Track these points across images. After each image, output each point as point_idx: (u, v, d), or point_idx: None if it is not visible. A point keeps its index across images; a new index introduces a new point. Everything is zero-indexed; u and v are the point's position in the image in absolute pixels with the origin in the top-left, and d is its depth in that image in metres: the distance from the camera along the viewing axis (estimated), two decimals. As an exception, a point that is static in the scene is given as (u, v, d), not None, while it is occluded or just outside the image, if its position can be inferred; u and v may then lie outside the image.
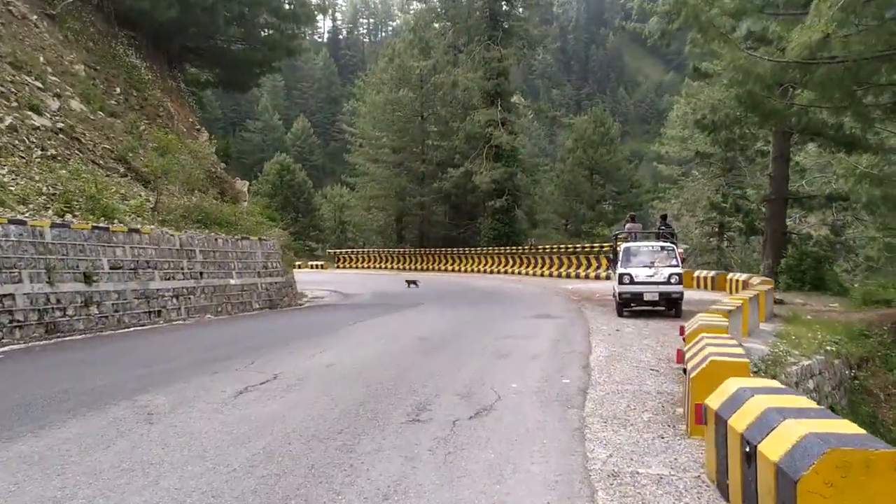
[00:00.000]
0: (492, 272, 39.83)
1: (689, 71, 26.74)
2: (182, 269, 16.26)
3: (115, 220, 14.99)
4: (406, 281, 27.81)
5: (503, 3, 46.08)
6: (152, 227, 15.87)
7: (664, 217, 18.84)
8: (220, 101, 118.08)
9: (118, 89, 25.53)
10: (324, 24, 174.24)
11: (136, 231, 14.83)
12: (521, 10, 46.78)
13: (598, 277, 30.95)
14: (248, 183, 29.67)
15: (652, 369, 8.84)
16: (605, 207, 47.55)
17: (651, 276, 14.91)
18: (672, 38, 23.07)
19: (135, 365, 8.69)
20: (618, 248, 16.27)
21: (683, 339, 9.03)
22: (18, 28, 22.32)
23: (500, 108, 43.80)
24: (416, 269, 46.15)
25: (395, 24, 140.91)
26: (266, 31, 31.79)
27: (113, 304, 13.69)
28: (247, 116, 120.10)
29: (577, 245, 36.17)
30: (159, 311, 15.09)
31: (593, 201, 47.49)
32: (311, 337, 11.44)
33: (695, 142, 49.68)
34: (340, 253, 55.77)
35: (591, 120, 47.73)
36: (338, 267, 53.20)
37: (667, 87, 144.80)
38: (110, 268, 13.82)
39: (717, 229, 44.11)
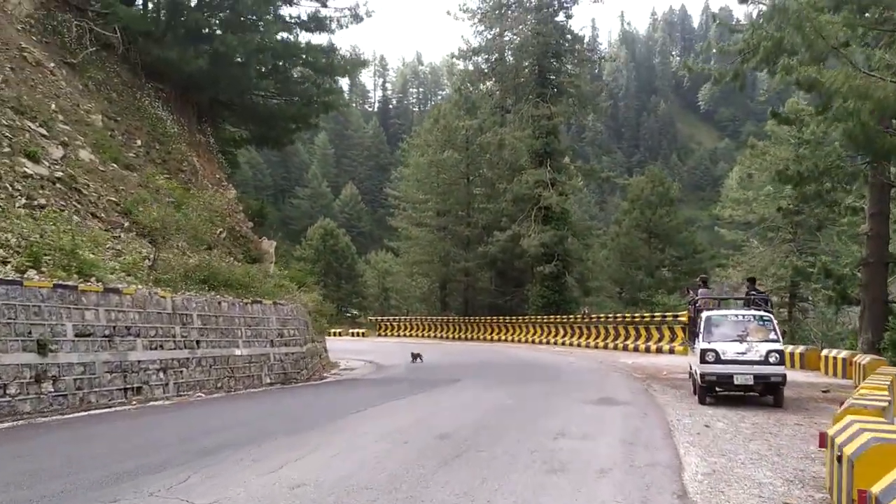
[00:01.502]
0: (541, 342, 36.67)
1: (766, 120, 23.87)
2: (174, 336, 13.77)
3: (94, 279, 12.64)
4: (411, 354, 25.08)
5: (553, 60, 44.13)
6: (139, 287, 13.48)
7: (752, 280, 15.68)
8: (270, 168, 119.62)
9: (139, 141, 23.84)
10: (374, 94, 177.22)
11: (115, 291, 12.44)
12: (571, 66, 44.74)
13: (660, 351, 27.60)
14: (274, 243, 27.47)
15: (785, 503, 5.81)
16: (664, 274, 44.01)
17: (743, 353, 11.82)
18: (745, 79, 20.37)
19: (11, 478, 6.04)
20: (697, 317, 13.22)
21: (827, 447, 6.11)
22: (31, 74, 20.80)
23: (549, 168, 41.39)
24: (459, 339, 43.33)
25: (444, 92, 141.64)
26: (302, 84, 30.16)
27: (76, 380, 11.18)
28: (296, 183, 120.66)
29: (636, 315, 32.90)
30: (139, 388, 12.53)
31: (652, 267, 44.05)
32: (298, 431, 8.65)
33: (760, 204, 46.47)
34: (382, 320, 53.44)
35: (649, 179, 44.72)
36: (379, 335, 50.80)
37: (721, 155, 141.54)
38: (76, 335, 11.37)
39: (787, 299, 40.30)
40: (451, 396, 13.36)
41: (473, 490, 5.83)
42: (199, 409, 11.49)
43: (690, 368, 14.49)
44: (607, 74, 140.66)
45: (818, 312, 35.45)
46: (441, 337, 45.31)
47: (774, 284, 38.44)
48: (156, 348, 13.17)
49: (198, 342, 14.47)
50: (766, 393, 12.28)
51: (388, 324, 52.07)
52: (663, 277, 44.03)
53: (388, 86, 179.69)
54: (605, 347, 31.02)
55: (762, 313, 12.57)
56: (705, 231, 59.82)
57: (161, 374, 13.18)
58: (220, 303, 15.62)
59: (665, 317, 29.88)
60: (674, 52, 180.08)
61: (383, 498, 5.49)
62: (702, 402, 12.34)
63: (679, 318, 27.99)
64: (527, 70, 44.65)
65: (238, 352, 15.83)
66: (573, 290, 43.79)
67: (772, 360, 11.67)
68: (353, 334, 53.01)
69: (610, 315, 34.22)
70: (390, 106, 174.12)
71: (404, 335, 48.67)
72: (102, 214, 17.72)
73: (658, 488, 6.15)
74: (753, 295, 13.16)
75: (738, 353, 11.83)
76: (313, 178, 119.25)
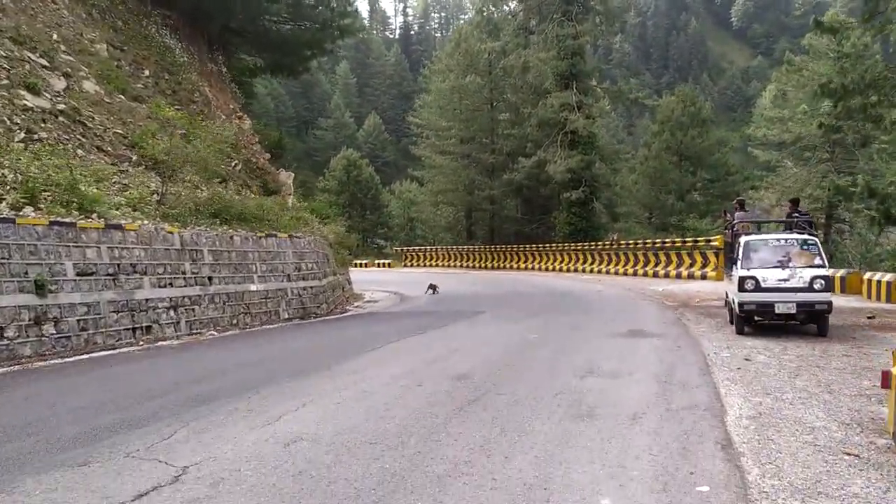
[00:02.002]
0: (568, 270, 35.94)
1: (809, 28, 22.14)
2: (184, 273, 13.23)
3: (96, 215, 12.04)
4: (429, 285, 24.52)
5: (579, -26, 41.89)
6: (144, 222, 12.88)
7: (795, 202, 14.60)
8: (292, 99, 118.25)
9: (147, 72, 22.99)
10: (395, 19, 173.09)
11: (117, 227, 11.84)
12: (597, -19, 42.50)
13: (691, 277, 26.73)
14: (292, 175, 26.77)
15: (846, 453, 5.09)
16: (695, 197, 42.49)
17: (785, 279, 10.95)
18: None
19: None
20: (734, 242, 12.31)
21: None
22: (30, 3, 19.95)
23: (575, 90, 39.78)
24: (486, 268, 42.78)
25: (466, 16, 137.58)
26: (315, 8, 28.83)
27: (79, 321, 10.71)
28: (319, 114, 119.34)
29: (666, 240, 31.91)
30: (148, 327, 12.07)
31: (682, 191, 42.49)
32: (305, 374, 8.05)
33: (796, 123, 44.49)
34: (408, 251, 53.04)
35: (679, 100, 42.70)
36: (405, 265, 50.46)
37: (754, 73, 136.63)
38: (77, 274, 10.84)
39: (823, 220, 38.87)
40: (473, 330, 12.74)
41: (490, 443, 5.18)
42: (207, 349, 10.98)
43: (727, 296, 13.67)
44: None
45: (855, 234, 34.12)
46: (467, 266, 44.79)
47: (811, 206, 36.91)
48: (165, 286, 12.66)
49: (210, 278, 13.94)
50: (809, 321, 11.47)
51: (413, 254, 51.66)
52: (694, 201, 42.56)
53: (409, 11, 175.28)
54: (635, 274, 30.21)
55: (806, 237, 11.61)
56: (737, 153, 57.71)
57: (172, 313, 12.70)
58: (232, 237, 15.02)
59: (697, 241, 28.89)
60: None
61: (388, 455, 4.86)
62: (739, 332, 11.57)
63: (712, 243, 27.01)
64: (551, -13, 42.51)
65: (253, 287, 15.32)
66: (601, 216, 42.73)
67: (817, 286, 10.80)
68: (379, 265, 52.76)
69: (639, 241, 33.26)
70: (412, 32, 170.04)
71: (430, 265, 48.26)
72: (109, 148, 17.07)
73: (698, 436, 5.46)
74: (796, 217, 12.17)
75: (780, 280, 10.97)
76: (336, 108, 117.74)
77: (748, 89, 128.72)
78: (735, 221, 12.79)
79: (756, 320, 11.69)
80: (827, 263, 11.23)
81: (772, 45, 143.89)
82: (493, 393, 6.93)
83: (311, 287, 17.96)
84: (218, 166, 18.52)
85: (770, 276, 11.05)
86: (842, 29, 19.23)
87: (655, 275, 28.94)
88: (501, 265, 42.24)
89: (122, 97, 20.19)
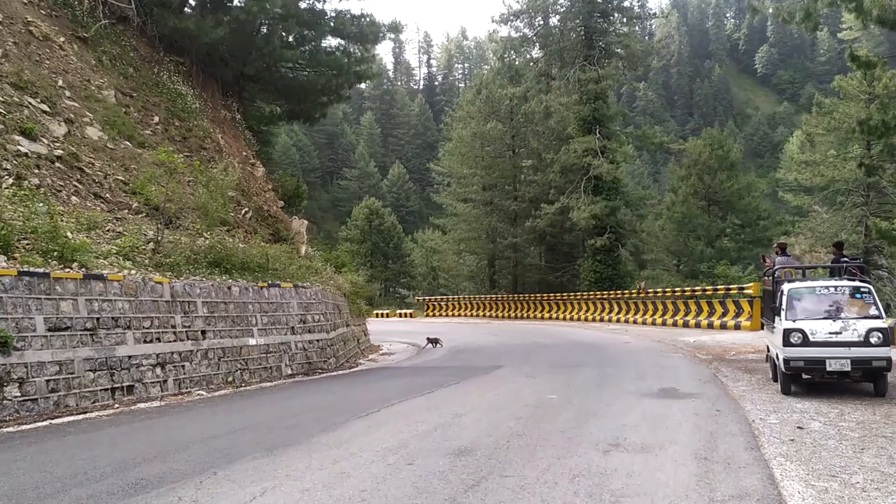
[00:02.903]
0: (594, 320, 34.52)
1: (843, 63, 21.08)
2: (173, 327, 12.24)
3: (77, 265, 11.15)
4: (427, 339, 23.39)
5: (600, 19, 41.37)
6: (130, 272, 11.96)
7: (840, 245, 13.30)
8: (318, 150, 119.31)
9: (157, 118, 22.47)
10: (419, 70, 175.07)
11: (98, 278, 10.91)
12: (619, 25, 41.96)
13: (724, 327, 25.23)
14: (305, 223, 25.96)
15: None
16: (725, 243, 41.02)
17: (837, 332, 9.67)
18: (817, 22, 17.78)
19: None
20: (776, 289, 11.05)
21: None
22: (37, 49, 19.51)
23: (598, 135, 38.89)
24: (509, 317, 41.46)
25: (489, 66, 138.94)
26: (332, 55, 28.39)
27: (48, 382, 9.72)
28: (344, 164, 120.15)
29: (696, 288, 30.49)
30: (130, 387, 11.04)
31: (712, 237, 41.08)
32: (281, 447, 6.86)
33: (828, 166, 43.19)
34: (430, 300, 51.86)
35: (707, 142, 41.57)
36: (427, 315, 49.27)
37: (780, 119, 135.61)
38: (48, 329, 9.88)
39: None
40: (485, 389, 11.52)
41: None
42: (185, 413, 9.86)
43: (768, 350, 12.36)
44: (658, 40, 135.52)
45: (896, 281, 32.42)
46: (490, 316, 43.52)
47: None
48: (151, 341, 11.66)
49: (203, 332, 12.94)
50: (864, 379, 10.14)
51: (435, 303, 50.47)
52: (724, 247, 41.10)
53: (433, 62, 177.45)
54: (664, 324, 28.75)
55: (858, 283, 10.33)
56: (766, 199, 56.34)
57: (158, 370, 11.67)
58: (230, 287, 14.05)
59: (729, 289, 27.43)
60: (728, 14, 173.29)
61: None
62: (785, 392, 10.25)
63: (745, 291, 25.58)
64: (572, 33, 42.12)
65: (252, 341, 14.28)
66: (627, 263, 41.47)
67: (874, 340, 9.50)
68: (400, 315, 51.69)
69: (667, 289, 31.84)
70: (436, 83, 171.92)
71: (452, 314, 47.04)
72: (107, 195, 16.33)
73: (754, 541, 4.23)
74: (846, 261, 10.90)
75: (832, 334, 9.69)
76: (360, 158, 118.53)
77: (774, 135, 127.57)
78: (776, 267, 11.55)
79: (803, 378, 10.37)
80: (884, 314, 9.93)
81: (797, 91, 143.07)
82: (496, 475, 5.74)
83: (318, 340, 16.88)
84: (224, 212, 17.69)
85: (819, 329, 9.78)
86: (879, 63, 18.09)
87: (685, 324, 27.46)
88: (525, 315, 40.91)
89: (128, 143, 19.59)
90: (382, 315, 52.60)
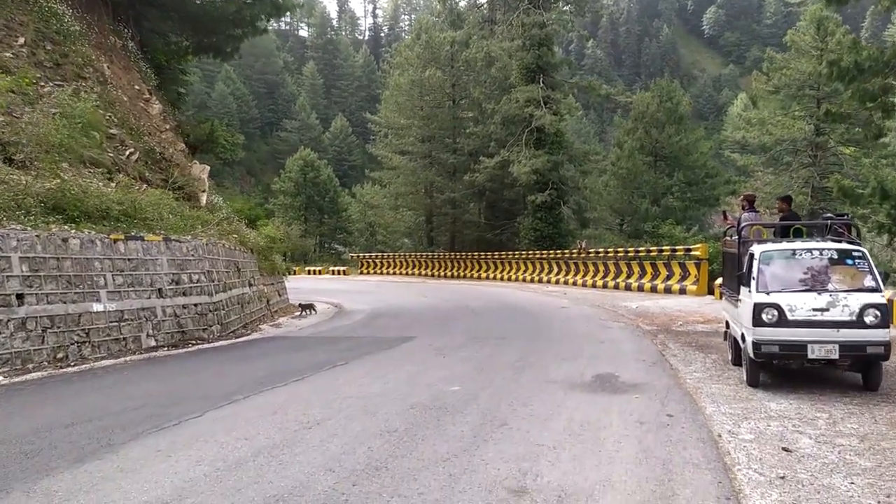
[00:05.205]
0: (532, 281, 32.40)
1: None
2: (-29, 290, 9.35)
3: None
4: (299, 305, 21.34)
5: (547, -39, 38.48)
6: None
7: (788, 199, 10.54)
8: (257, 100, 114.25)
9: (21, 39, 18.99)
10: (364, 21, 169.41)
11: None
12: (567, -34, 39.20)
13: (668, 291, 23.27)
14: (207, 168, 22.85)
15: None
16: (671, 202, 39.06)
17: (823, 308, 7.41)
18: None
19: None
20: (743, 252, 8.73)
21: None
22: None
23: (542, 84, 36.28)
24: (445, 276, 39.14)
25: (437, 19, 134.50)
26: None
27: None
28: (284, 116, 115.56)
29: (639, 248, 28.50)
30: None
31: (658, 194, 38.97)
32: (47, 472, 4.35)
33: (777, 125, 41.71)
34: (365, 258, 49.22)
35: (655, 94, 39.23)
36: (361, 273, 46.68)
37: (726, 81, 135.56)
38: None
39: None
40: (376, 374, 8.97)
41: None
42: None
43: (727, 327, 10.12)
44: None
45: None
46: (426, 275, 41.13)
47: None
48: (-67, 308, 8.78)
49: (20, 296, 10.05)
50: (852, 369, 7.96)
51: (370, 261, 47.88)
52: (670, 206, 39.11)
53: (379, 13, 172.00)
54: (605, 287, 26.70)
55: (850, 246, 8.08)
56: (711, 160, 55.01)
57: (-57, 347, 8.82)
58: (65, 240, 11.12)
59: (675, 250, 25.48)
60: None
61: None
62: (752, 384, 8.00)
63: (692, 253, 23.62)
64: (517, -26, 39.09)
65: (97, 307, 11.43)
66: (569, 221, 39.34)
67: (869, 319, 7.28)
68: (333, 272, 49.02)
69: (610, 249, 29.78)
70: (381, 34, 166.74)
71: (388, 273, 44.54)
72: (-73, 123, 13.16)
73: None
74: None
75: (816, 311, 7.42)
76: (301, 109, 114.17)
77: (720, 97, 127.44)
78: (743, 224, 9.23)
79: (773, 363, 8.14)
80: (882, 285, 7.68)
81: (743, 54, 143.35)
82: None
83: (196, 305, 14.08)
84: (79, 147, 14.60)
85: (799, 304, 7.49)
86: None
87: (628, 287, 25.45)
88: (462, 274, 38.60)
89: (-19, 68, 16.26)
90: (314, 272, 49.77)
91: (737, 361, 9.09)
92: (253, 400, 7.24)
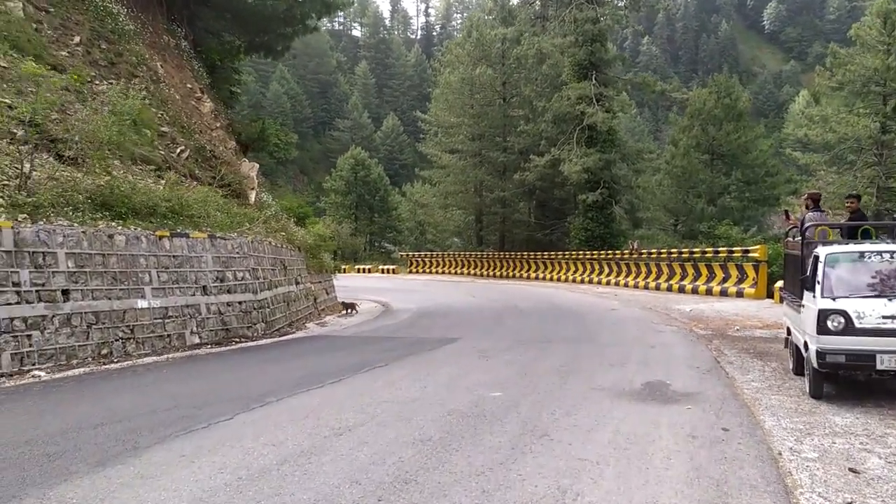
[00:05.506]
0: (582, 281, 31.82)
1: None
2: (15, 285, 9.40)
3: None
4: (343, 304, 21.72)
5: (600, -45, 37.72)
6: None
7: (857, 198, 9.88)
8: (310, 99, 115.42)
9: (77, 38, 19.35)
10: (416, 20, 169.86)
11: None
12: (621, -39, 38.37)
13: (724, 294, 22.49)
14: (256, 166, 22.97)
15: None
16: (728, 202, 37.85)
17: (893, 315, 6.86)
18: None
19: None
20: (806, 254, 8.20)
21: None
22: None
23: (594, 81, 35.60)
24: (494, 276, 38.80)
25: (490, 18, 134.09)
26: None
27: None
28: (336, 115, 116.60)
29: (694, 249, 27.68)
30: (-61, 365, 8.26)
31: (714, 194, 37.80)
32: (67, 477, 4.23)
33: (841, 122, 40.11)
34: (414, 256, 49.22)
35: (713, 91, 38.03)
36: (410, 272, 46.66)
37: (787, 78, 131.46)
38: None
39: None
40: (416, 377, 8.70)
41: None
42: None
43: (788, 333, 9.55)
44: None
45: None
46: (474, 274, 40.86)
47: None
48: (-21, 304, 8.85)
49: (65, 292, 10.09)
50: (924, 381, 7.38)
51: (420, 259, 47.84)
52: (727, 206, 37.90)
53: (431, 12, 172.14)
54: (657, 289, 25.99)
55: (923, 249, 7.49)
56: (771, 158, 53.33)
57: (-12, 342, 8.88)
58: (111, 236, 11.16)
59: (732, 252, 24.62)
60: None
61: None
62: (816, 395, 7.48)
63: (750, 254, 22.77)
64: (570, -30, 38.39)
65: (142, 303, 11.45)
66: (621, 221, 38.51)
67: (948, 329, 6.70)
68: (382, 271, 49.14)
69: (663, 250, 29.00)
70: (433, 33, 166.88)
71: (436, 272, 44.38)
72: (-17, 121, 13.37)
73: None
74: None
75: (886, 318, 6.88)
76: (353, 108, 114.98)
77: (780, 94, 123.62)
78: (807, 225, 8.68)
79: (839, 374, 7.59)
80: (960, 292, 7.08)
81: (805, 50, 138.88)
82: None
83: (241, 302, 14.05)
84: (130, 144, 14.74)
85: (868, 311, 6.96)
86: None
87: (681, 289, 24.70)
88: (511, 274, 38.20)
89: (35, 64, 16.50)
90: (363, 271, 49.97)
91: (798, 371, 8.56)
92: (286, 402, 7.05)
